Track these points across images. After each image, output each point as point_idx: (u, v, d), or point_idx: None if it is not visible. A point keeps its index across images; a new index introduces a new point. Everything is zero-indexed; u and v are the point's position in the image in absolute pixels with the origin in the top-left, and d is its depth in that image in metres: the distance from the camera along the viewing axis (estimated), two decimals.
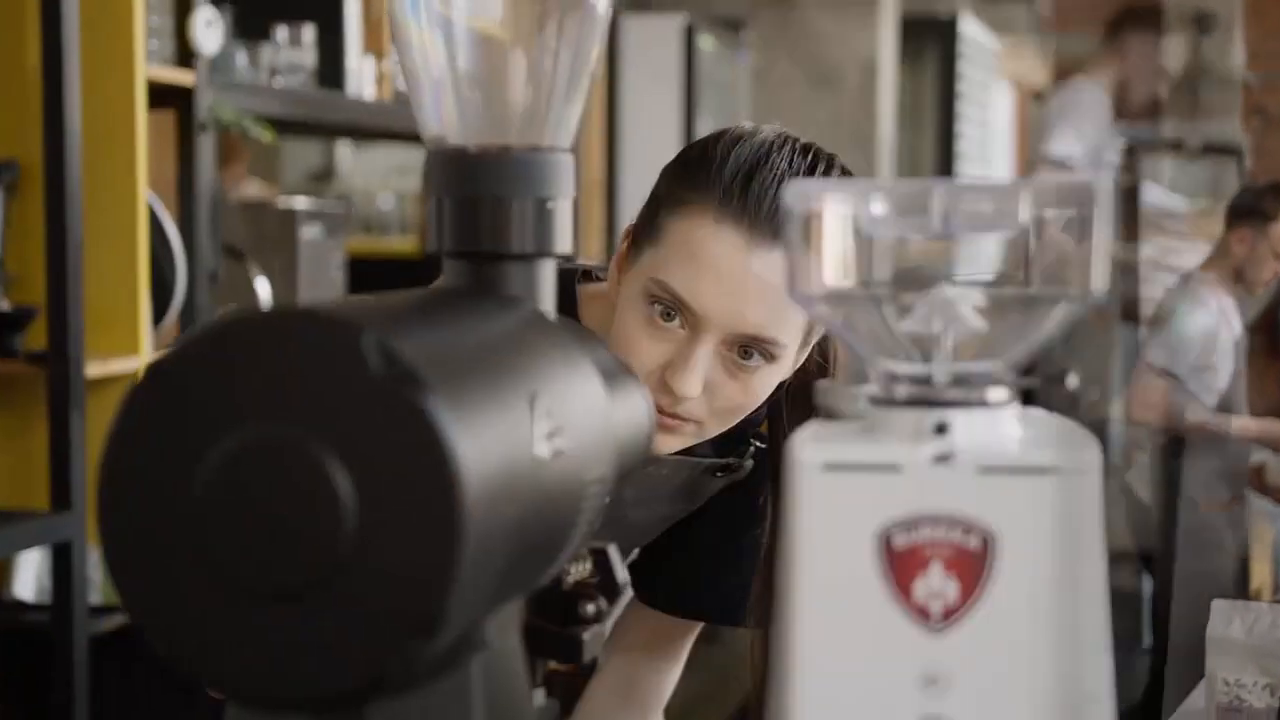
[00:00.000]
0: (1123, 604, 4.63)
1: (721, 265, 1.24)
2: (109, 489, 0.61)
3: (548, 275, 0.77)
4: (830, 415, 0.74)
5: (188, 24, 2.82)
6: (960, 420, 0.66)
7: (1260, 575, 3.85)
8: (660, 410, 1.26)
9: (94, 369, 2.55)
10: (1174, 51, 4.80)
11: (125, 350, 2.68)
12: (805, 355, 1.35)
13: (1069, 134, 4.57)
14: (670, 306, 1.26)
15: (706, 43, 5.66)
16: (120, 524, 0.61)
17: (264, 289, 3.21)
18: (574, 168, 0.78)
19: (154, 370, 0.61)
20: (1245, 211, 4.06)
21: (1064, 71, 8.67)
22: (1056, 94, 4.90)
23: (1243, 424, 4.54)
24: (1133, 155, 4.74)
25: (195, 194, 2.87)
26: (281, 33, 3.26)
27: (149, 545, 0.61)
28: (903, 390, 0.68)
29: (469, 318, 0.70)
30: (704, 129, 5.14)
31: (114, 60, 2.62)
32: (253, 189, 4.49)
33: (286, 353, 0.60)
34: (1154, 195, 4.70)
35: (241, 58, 3.14)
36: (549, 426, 0.67)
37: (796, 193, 0.69)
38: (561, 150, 0.77)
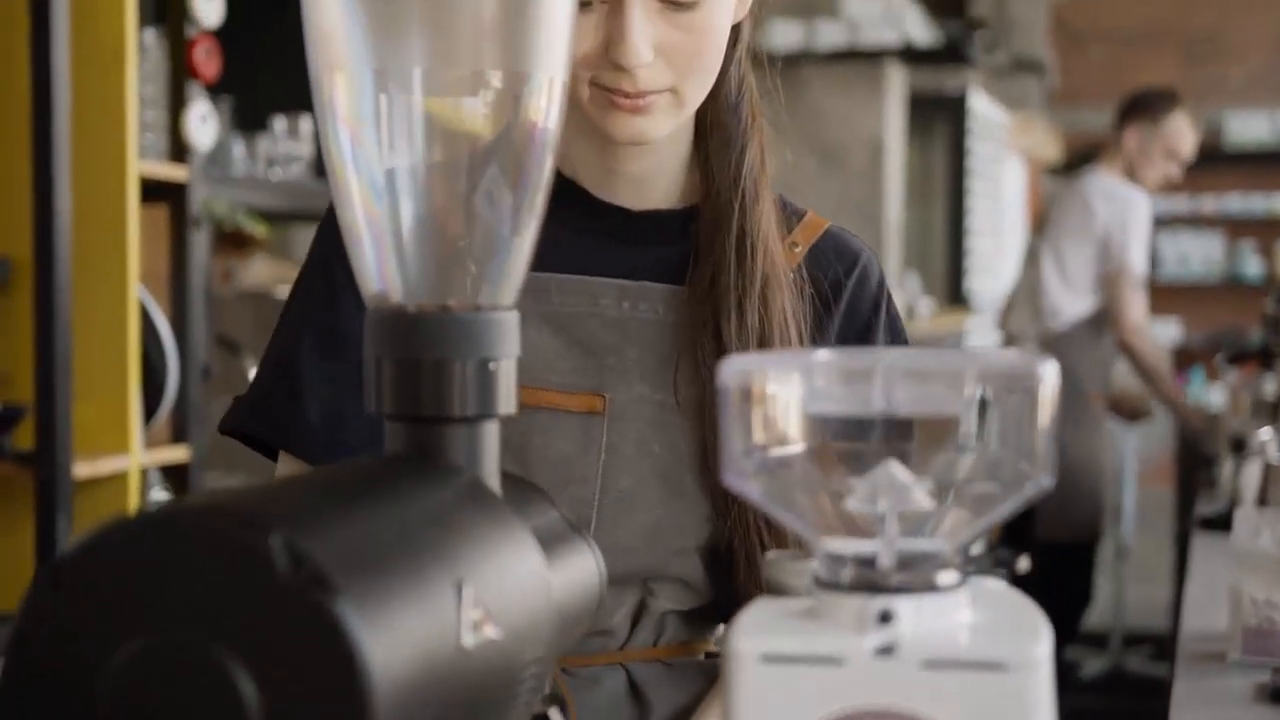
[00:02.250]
0: None
1: None
2: (8, 695, 0.58)
3: (491, 438, 0.75)
4: (776, 590, 0.71)
5: (182, 119, 2.81)
6: (906, 608, 0.63)
7: None
8: (625, 94, 1.22)
9: (83, 469, 2.52)
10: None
11: (115, 449, 2.65)
12: None
13: (1141, 246, 4.56)
14: None
15: None
16: None
17: None
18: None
19: (55, 571, 0.58)
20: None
21: (1074, 145, 8.67)
22: (1103, 199, 4.64)
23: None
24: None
25: (188, 288, 2.86)
26: (280, 124, 3.25)
27: None
28: (846, 574, 0.65)
29: (395, 498, 0.67)
30: None
31: (106, 157, 2.61)
32: (262, 270, 4.47)
33: (192, 553, 0.57)
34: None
35: (239, 149, 3.14)
36: (479, 613, 0.64)
37: (734, 369, 0.66)
38: (504, 308, 0.75)
